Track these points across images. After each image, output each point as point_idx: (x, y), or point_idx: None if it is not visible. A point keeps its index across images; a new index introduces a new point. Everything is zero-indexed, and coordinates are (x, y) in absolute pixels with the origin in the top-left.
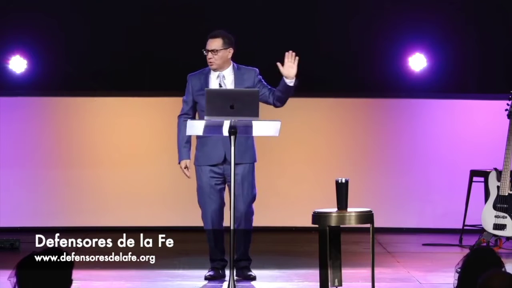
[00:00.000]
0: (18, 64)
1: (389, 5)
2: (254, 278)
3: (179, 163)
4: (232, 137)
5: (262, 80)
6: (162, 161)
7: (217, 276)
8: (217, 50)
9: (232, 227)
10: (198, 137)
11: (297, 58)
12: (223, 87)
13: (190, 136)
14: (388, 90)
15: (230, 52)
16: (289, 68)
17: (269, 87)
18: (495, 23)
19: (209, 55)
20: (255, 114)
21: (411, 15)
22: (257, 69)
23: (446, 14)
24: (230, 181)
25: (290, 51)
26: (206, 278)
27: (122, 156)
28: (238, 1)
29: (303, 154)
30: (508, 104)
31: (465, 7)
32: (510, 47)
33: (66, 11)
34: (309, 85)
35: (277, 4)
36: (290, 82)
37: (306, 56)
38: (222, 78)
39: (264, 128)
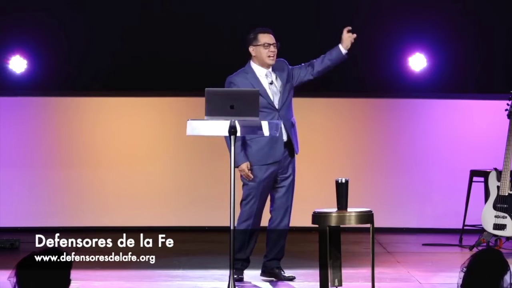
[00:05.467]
0: (18, 64)
1: (389, 5)
2: (294, 278)
3: (238, 166)
4: (233, 137)
5: (291, 65)
6: (162, 161)
7: (242, 278)
8: (276, 44)
9: (232, 227)
10: (249, 136)
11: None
12: (273, 85)
13: (243, 138)
14: (388, 90)
15: None
16: (349, 38)
17: (300, 65)
18: (495, 23)
19: (272, 48)
20: (255, 114)
21: (411, 15)
22: (284, 59)
23: (446, 14)
24: (282, 178)
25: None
26: (235, 280)
27: (122, 156)
28: (238, 1)
29: (303, 154)
30: (508, 104)
31: (465, 7)
32: (510, 47)
33: (66, 11)
34: (309, 85)
35: (277, 4)
36: (346, 52)
37: (306, 56)
38: (270, 75)
39: (264, 128)
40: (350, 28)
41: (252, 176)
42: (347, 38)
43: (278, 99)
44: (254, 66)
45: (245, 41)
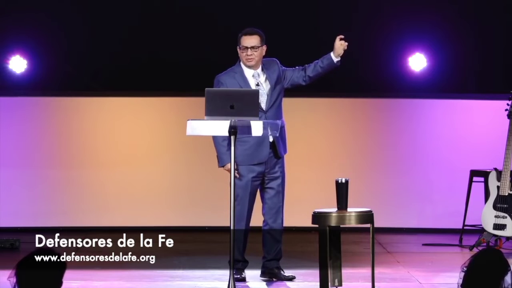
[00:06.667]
0: (18, 64)
1: (389, 5)
2: (294, 278)
3: (223, 166)
4: (232, 137)
5: (284, 66)
6: (162, 161)
7: (245, 278)
8: (257, 47)
9: (232, 227)
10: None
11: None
12: (260, 86)
13: (227, 137)
14: (388, 90)
15: (264, 50)
16: (341, 46)
17: (293, 68)
18: (495, 23)
19: (249, 51)
20: (255, 114)
21: (411, 15)
22: (276, 59)
23: (446, 14)
24: (270, 178)
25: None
26: (239, 280)
27: (122, 156)
28: (238, 1)
29: (303, 154)
30: (508, 104)
31: (465, 7)
32: (510, 47)
33: (66, 11)
34: (309, 85)
35: (277, 4)
36: (338, 60)
37: (306, 56)
38: (257, 77)
39: (263, 128)
40: (342, 36)
41: (238, 175)
42: (339, 46)
43: (265, 100)
44: (243, 66)
45: None
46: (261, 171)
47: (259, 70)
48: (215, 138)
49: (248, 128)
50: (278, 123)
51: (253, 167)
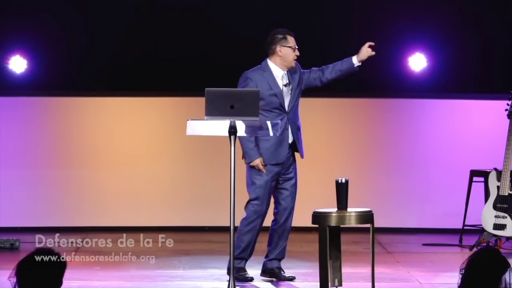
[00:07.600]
0: (18, 64)
1: (389, 5)
2: (294, 278)
3: (250, 162)
4: (232, 137)
5: (302, 69)
6: (162, 161)
7: (253, 278)
8: None
9: (232, 227)
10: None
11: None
12: (288, 87)
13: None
14: (388, 90)
15: None
16: (367, 53)
17: (310, 70)
18: (495, 23)
19: (297, 52)
20: (255, 114)
21: (411, 15)
22: (296, 61)
23: (446, 14)
24: (285, 179)
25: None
26: (248, 280)
27: (122, 156)
28: (238, 1)
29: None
30: (508, 104)
31: (465, 7)
32: (510, 47)
33: (66, 11)
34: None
35: (277, 3)
36: (358, 65)
37: (306, 56)
38: (286, 77)
39: (268, 127)
40: (372, 44)
41: (265, 171)
42: (365, 52)
43: (288, 101)
44: (272, 65)
45: (270, 39)
46: (278, 172)
47: (286, 71)
48: (241, 138)
49: (248, 128)
50: (278, 123)
51: (272, 167)
